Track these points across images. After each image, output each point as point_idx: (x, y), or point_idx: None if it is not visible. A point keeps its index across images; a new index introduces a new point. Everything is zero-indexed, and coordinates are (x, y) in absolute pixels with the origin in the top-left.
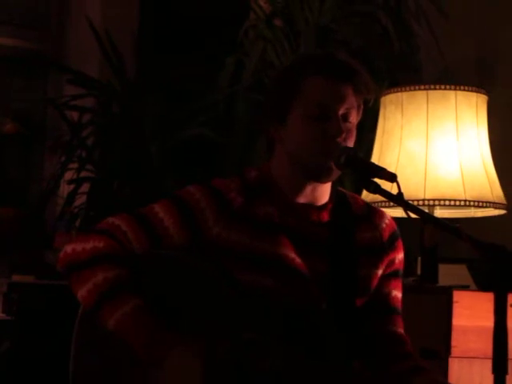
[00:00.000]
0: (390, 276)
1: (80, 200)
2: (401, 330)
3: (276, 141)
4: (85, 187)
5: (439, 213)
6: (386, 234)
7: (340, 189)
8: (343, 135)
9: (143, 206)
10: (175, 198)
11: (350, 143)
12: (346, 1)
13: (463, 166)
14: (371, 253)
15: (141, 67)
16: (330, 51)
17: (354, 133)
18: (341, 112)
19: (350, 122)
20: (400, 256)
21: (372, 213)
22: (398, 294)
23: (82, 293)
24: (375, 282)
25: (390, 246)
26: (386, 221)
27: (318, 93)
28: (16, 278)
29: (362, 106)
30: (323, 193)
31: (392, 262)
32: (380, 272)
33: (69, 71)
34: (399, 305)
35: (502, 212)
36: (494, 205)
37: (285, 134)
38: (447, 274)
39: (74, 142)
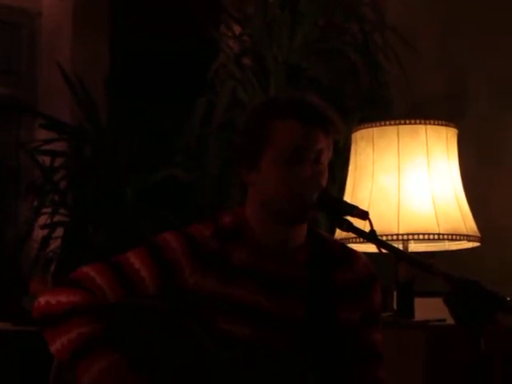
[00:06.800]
0: (368, 319)
1: (54, 244)
2: (381, 374)
3: (249, 184)
4: (59, 231)
5: (414, 247)
6: (363, 277)
7: (315, 229)
8: (316, 177)
9: (119, 252)
10: (151, 246)
11: (323, 184)
12: (314, 38)
13: (436, 199)
14: (349, 295)
15: (112, 110)
16: (299, 94)
17: (326, 174)
18: (312, 155)
19: (322, 164)
20: (377, 298)
21: (348, 254)
22: (378, 336)
23: (56, 347)
24: (355, 325)
25: (367, 289)
26: (363, 263)
27: (289, 136)
28: None
29: (331, 147)
30: (299, 234)
31: (370, 304)
32: (358, 314)
33: (40, 116)
34: (380, 348)
35: (476, 244)
36: (468, 237)
37: (257, 178)
38: (424, 307)
39: (46, 186)
